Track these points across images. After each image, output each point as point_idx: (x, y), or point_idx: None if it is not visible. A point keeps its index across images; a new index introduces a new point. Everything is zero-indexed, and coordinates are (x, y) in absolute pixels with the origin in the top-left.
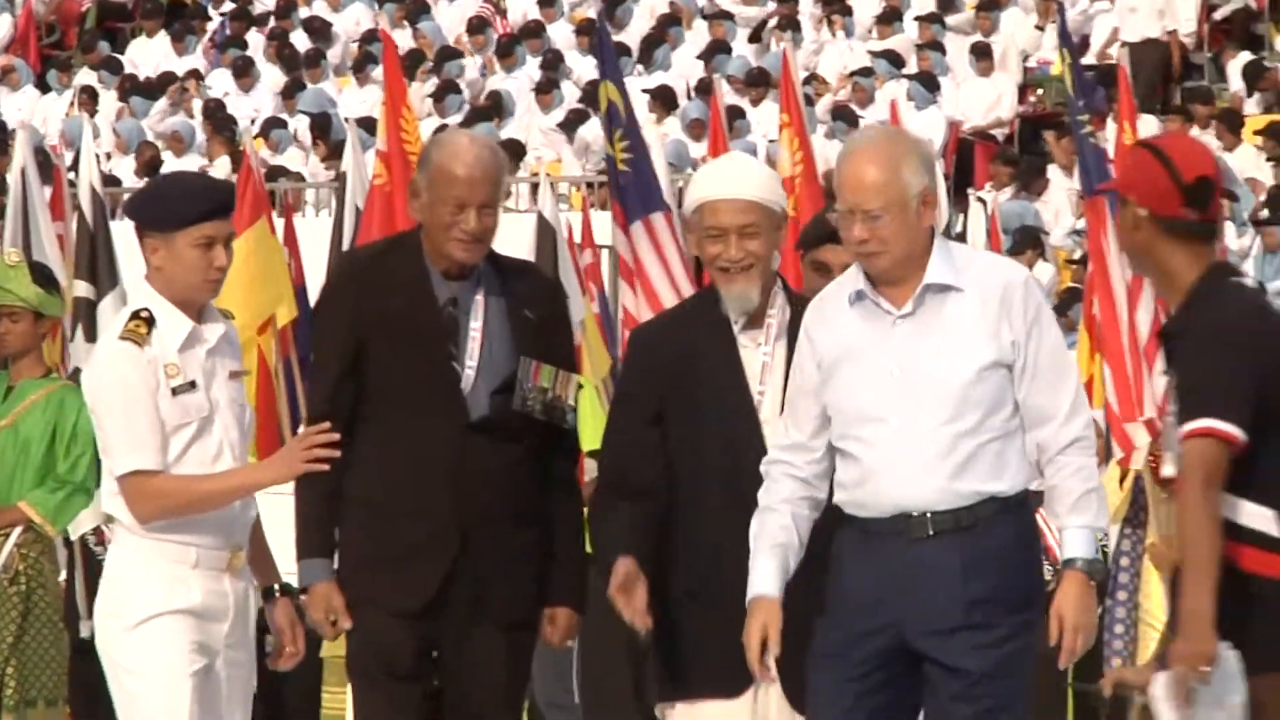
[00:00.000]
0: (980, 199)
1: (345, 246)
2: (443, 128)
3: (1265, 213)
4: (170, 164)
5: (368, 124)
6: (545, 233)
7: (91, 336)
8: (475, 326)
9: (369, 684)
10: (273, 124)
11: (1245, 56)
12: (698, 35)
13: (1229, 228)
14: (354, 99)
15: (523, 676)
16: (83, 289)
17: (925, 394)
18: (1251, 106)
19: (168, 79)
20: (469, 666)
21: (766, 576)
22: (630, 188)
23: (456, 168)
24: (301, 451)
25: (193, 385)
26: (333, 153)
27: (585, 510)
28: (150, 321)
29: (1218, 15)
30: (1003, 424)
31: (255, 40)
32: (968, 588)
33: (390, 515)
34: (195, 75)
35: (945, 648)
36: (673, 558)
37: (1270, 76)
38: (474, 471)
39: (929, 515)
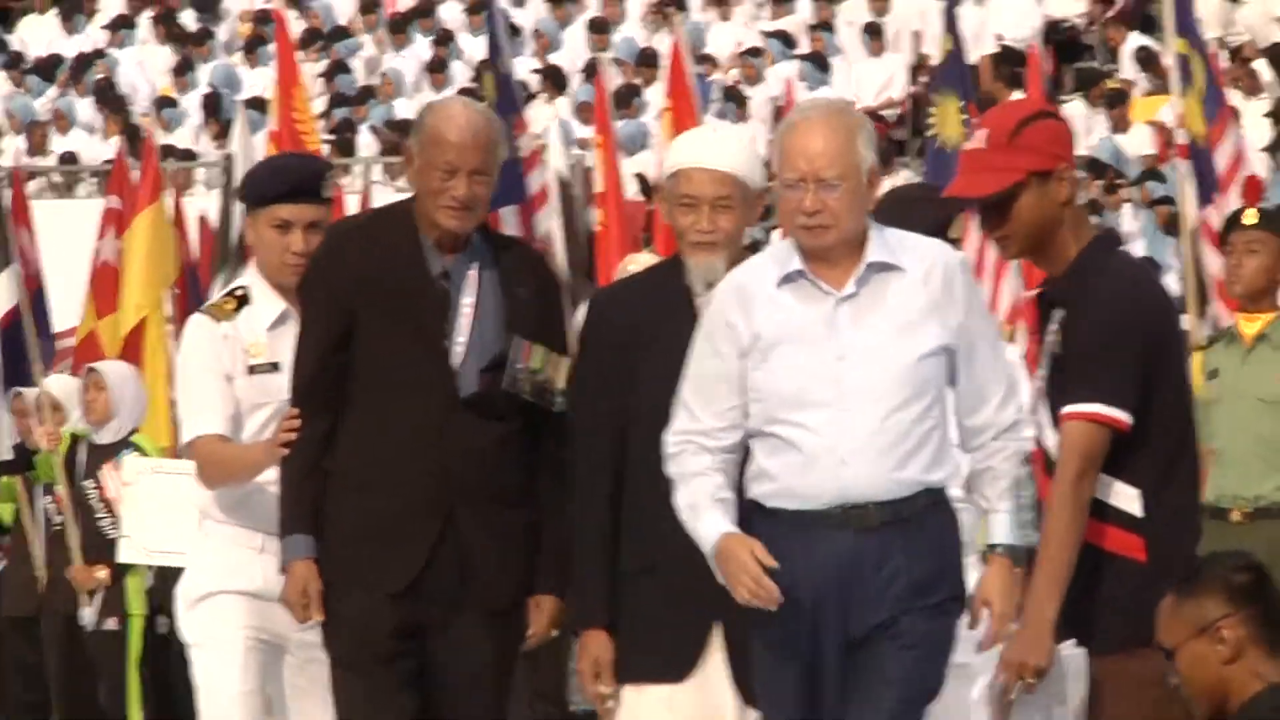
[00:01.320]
0: None
1: (234, 227)
2: (339, 99)
3: (1151, 184)
4: (58, 143)
5: (259, 104)
6: None
7: None
8: (467, 302)
9: (347, 667)
10: (164, 103)
11: (1136, 39)
12: (591, 15)
13: (1126, 209)
14: (246, 79)
15: (508, 662)
16: None
17: (871, 379)
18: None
19: (57, 60)
20: (452, 651)
21: (723, 520)
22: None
23: (449, 132)
24: (279, 435)
25: (274, 367)
26: (224, 131)
27: None
28: (242, 300)
29: None
30: (940, 411)
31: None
32: (911, 580)
33: (374, 491)
34: (97, 55)
35: (887, 627)
36: (627, 532)
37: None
38: (461, 449)
39: (872, 506)
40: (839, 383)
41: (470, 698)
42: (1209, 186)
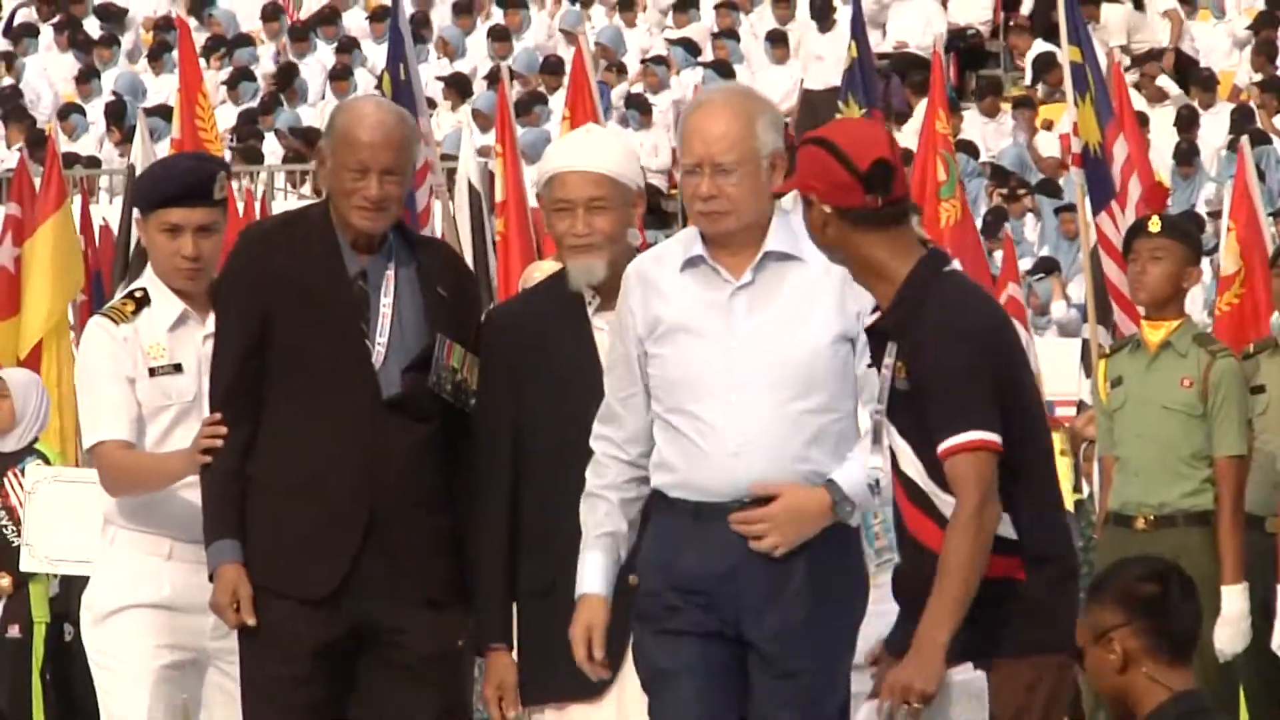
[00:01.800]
0: None
1: (135, 235)
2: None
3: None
4: None
5: (163, 112)
6: None
7: None
8: (386, 302)
9: (257, 688)
10: (70, 110)
11: (1040, 45)
12: (493, 22)
13: (1028, 219)
14: (150, 86)
15: (455, 656)
16: None
17: (768, 369)
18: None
19: None
20: (394, 648)
21: (594, 572)
22: None
23: (359, 132)
24: (200, 443)
25: (176, 368)
26: (127, 138)
27: None
28: (141, 301)
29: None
30: (846, 403)
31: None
32: (808, 582)
33: (297, 496)
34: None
35: (782, 639)
36: (525, 552)
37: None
38: (384, 451)
39: (770, 502)
40: (731, 372)
41: (420, 693)
42: (1104, 194)
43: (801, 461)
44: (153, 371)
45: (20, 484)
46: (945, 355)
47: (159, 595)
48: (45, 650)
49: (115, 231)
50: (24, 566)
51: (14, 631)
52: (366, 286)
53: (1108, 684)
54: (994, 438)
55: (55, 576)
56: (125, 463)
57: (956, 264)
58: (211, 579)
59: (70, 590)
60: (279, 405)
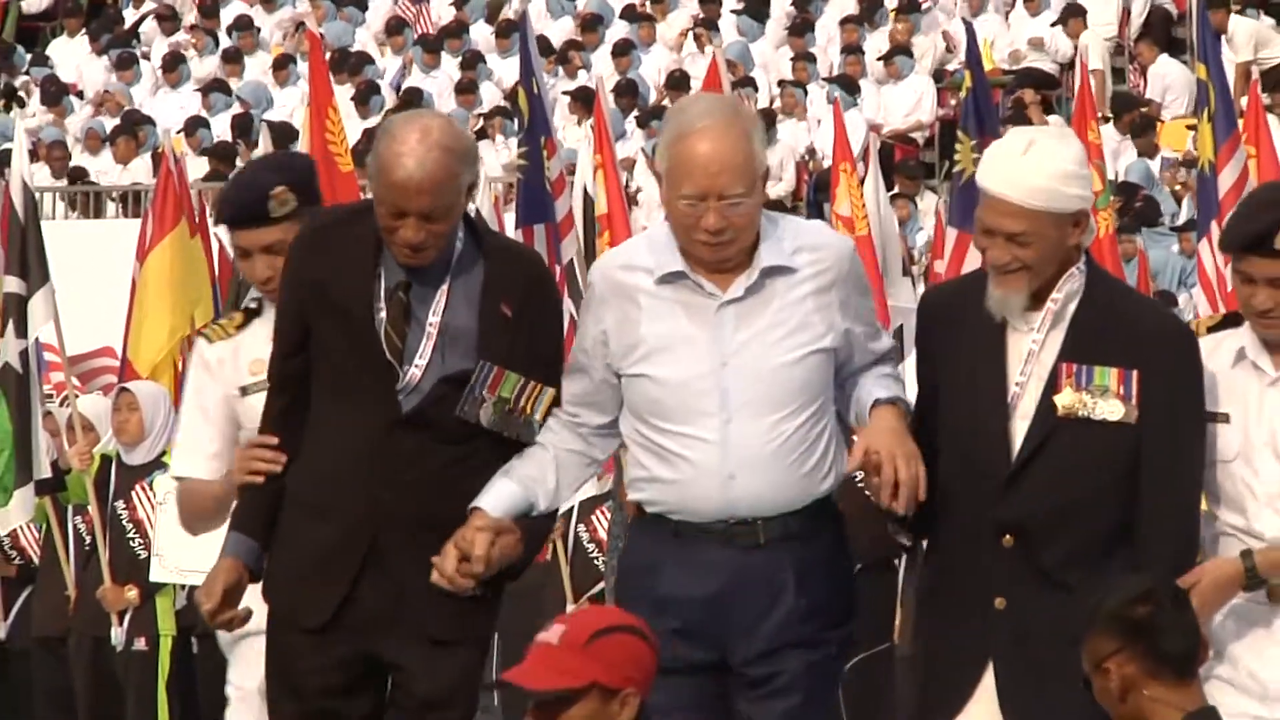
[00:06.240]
0: None
1: None
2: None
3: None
4: (86, 163)
5: (286, 126)
6: None
7: (22, 332)
8: (433, 321)
9: (277, 715)
10: (196, 124)
11: (1165, 61)
12: (617, 35)
13: (1145, 234)
14: (277, 99)
15: (462, 697)
16: (14, 285)
17: (758, 387)
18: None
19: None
20: (399, 688)
21: (495, 493)
22: (518, 197)
23: (395, 173)
24: (242, 463)
25: None
26: (252, 152)
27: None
28: (252, 313)
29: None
30: (828, 414)
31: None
32: (799, 603)
33: (311, 517)
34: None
35: (768, 663)
36: None
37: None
38: (395, 472)
39: (759, 522)
40: (724, 391)
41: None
42: (1209, 213)
43: (791, 480)
44: (244, 390)
45: (149, 497)
46: None
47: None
48: (171, 663)
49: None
50: (154, 577)
51: (140, 644)
52: (408, 298)
53: (1116, 711)
54: None
55: (182, 588)
56: (192, 493)
57: None
58: None
59: (196, 604)
60: (315, 416)
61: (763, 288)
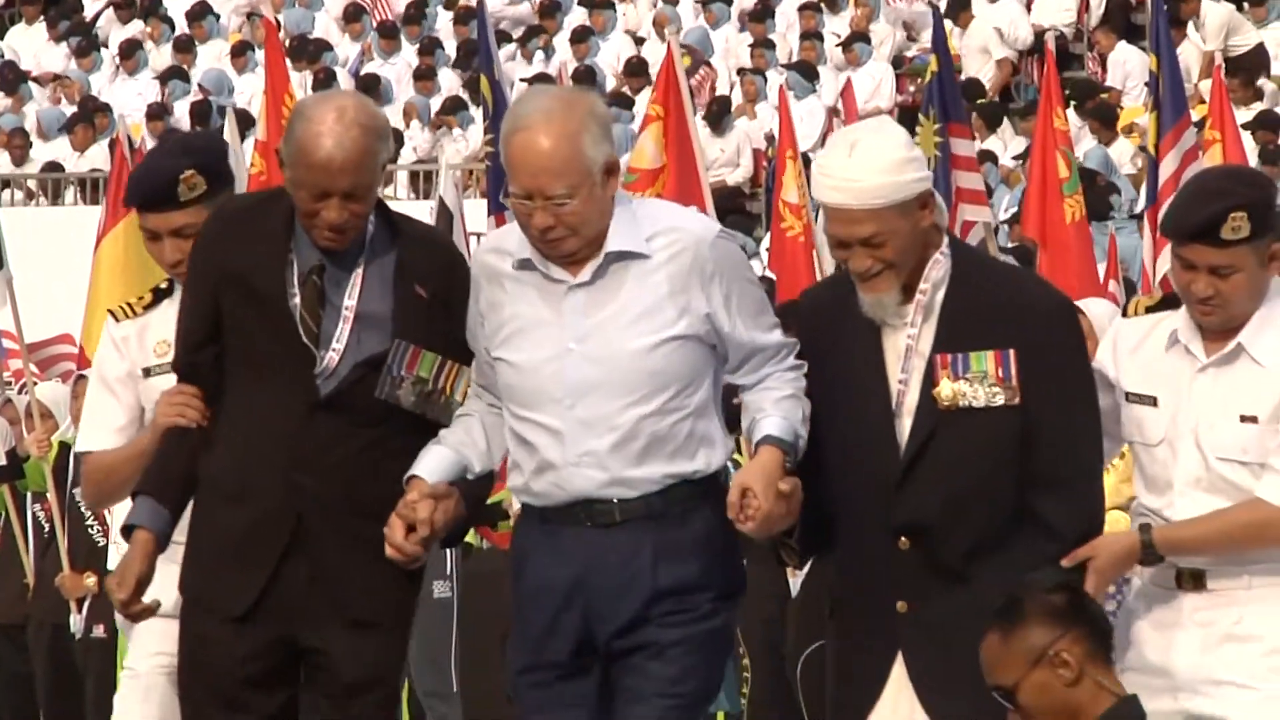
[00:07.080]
0: None
1: None
2: None
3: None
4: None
5: (244, 113)
6: (444, 218)
7: None
8: (349, 304)
9: (189, 707)
10: (159, 110)
11: (1124, 48)
12: (575, 21)
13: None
14: (236, 85)
15: (386, 682)
16: None
17: (606, 371)
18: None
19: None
20: (320, 670)
21: (429, 459)
22: (493, 180)
23: (315, 153)
24: (166, 408)
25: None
26: None
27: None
28: (162, 293)
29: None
30: (699, 400)
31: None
32: (658, 581)
33: (226, 501)
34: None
35: (634, 636)
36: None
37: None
38: (315, 457)
39: (615, 502)
40: (569, 377)
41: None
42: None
43: (644, 463)
44: (148, 372)
45: None
46: None
47: (168, 603)
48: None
49: None
50: (112, 565)
51: (99, 631)
52: (323, 282)
53: (1056, 704)
54: None
55: None
56: (102, 464)
57: None
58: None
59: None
60: (227, 399)
61: (612, 273)
